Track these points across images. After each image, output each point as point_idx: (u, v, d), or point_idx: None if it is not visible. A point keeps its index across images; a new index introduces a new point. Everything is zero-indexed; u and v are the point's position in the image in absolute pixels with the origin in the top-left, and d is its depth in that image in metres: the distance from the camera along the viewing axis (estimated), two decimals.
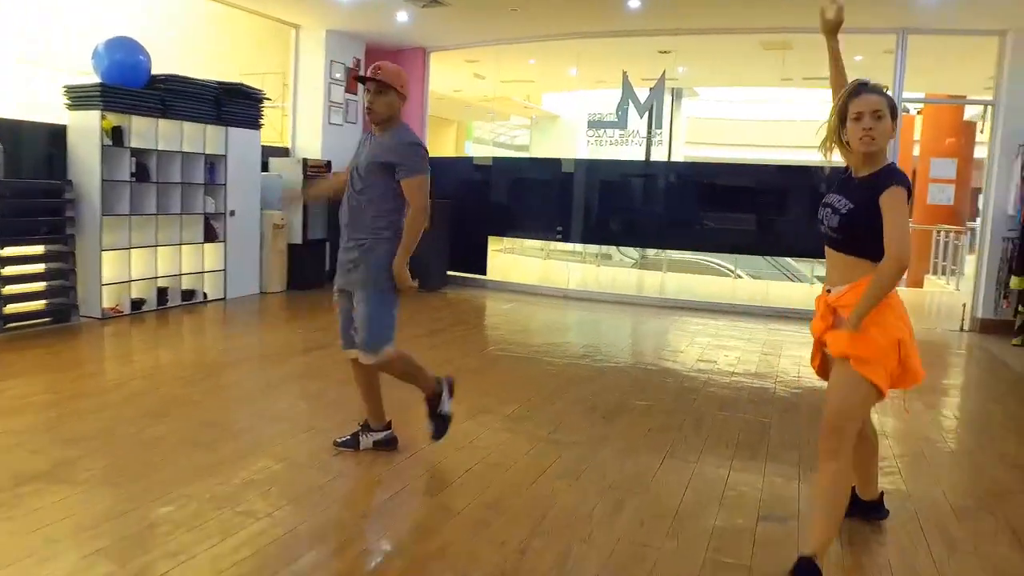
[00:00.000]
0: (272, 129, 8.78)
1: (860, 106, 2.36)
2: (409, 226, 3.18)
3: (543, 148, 16.87)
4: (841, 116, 2.43)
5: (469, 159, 10.39)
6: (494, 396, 4.55)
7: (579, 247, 12.03)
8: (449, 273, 9.18)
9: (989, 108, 7.56)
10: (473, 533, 2.75)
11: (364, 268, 3.18)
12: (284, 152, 8.69)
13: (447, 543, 2.67)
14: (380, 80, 3.11)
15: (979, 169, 16.01)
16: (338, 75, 8.66)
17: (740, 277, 14.98)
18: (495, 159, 9.74)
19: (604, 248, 13.10)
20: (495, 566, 2.50)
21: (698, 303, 8.54)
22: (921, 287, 13.30)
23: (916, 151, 17.95)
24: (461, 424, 3.89)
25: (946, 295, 11.25)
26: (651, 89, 8.13)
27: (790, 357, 6.17)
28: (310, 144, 8.65)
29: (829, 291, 2.52)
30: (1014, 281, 6.79)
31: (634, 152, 8.77)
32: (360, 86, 3.36)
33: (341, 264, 3.27)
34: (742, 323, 7.60)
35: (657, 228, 9.03)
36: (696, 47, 8.80)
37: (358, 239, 3.20)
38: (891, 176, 2.35)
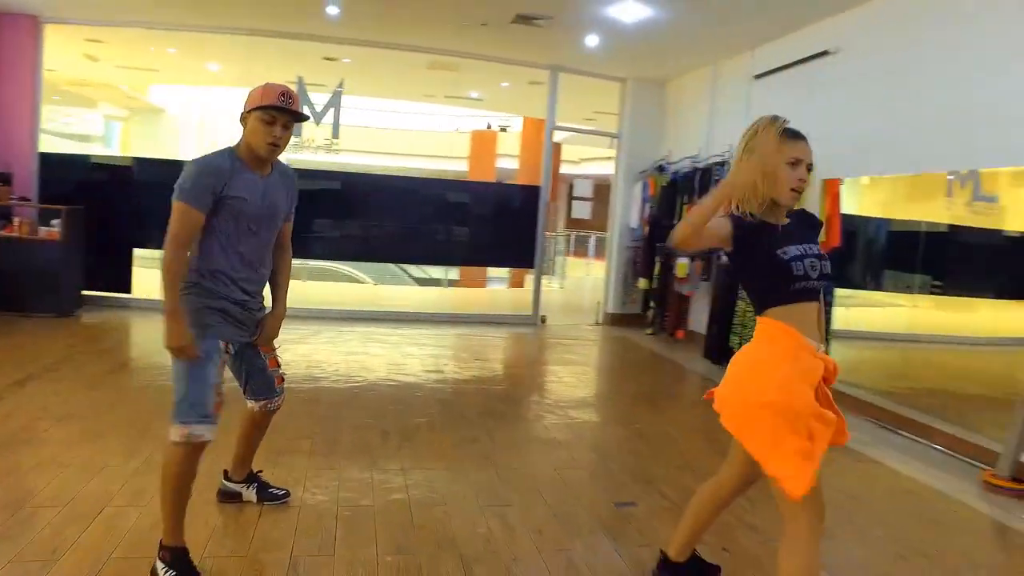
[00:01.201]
0: None
1: (800, 152, 2.15)
2: (290, 272, 2.87)
3: (141, 145, 14.91)
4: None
5: (85, 157, 8.63)
6: (273, 433, 4.05)
7: None
8: (85, 293, 7.64)
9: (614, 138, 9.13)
10: None
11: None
12: None
13: None
14: (297, 113, 2.51)
15: (565, 183, 19.24)
16: None
17: (372, 284, 15.42)
18: (137, 160, 8.32)
19: None
20: None
21: (372, 312, 8.61)
22: (522, 287, 15.42)
23: (499, 163, 20.64)
24: (273, 471, 3.42)
25: (556, 293, 13.21)
26: (330, 95, 7.93)
27: (492, 359, 6.69)
28: None
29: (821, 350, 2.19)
30: (641, 282, 8.38)
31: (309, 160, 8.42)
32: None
33: (246, 320, 2.65)
34: (419, 329, 7.87)
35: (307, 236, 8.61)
36: (358, 57, 8.80)
37: (259, 292, 2.72)
38: (814, 215, 2.42)
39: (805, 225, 2.31)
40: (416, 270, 16.57)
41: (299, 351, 6.31)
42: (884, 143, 5.28)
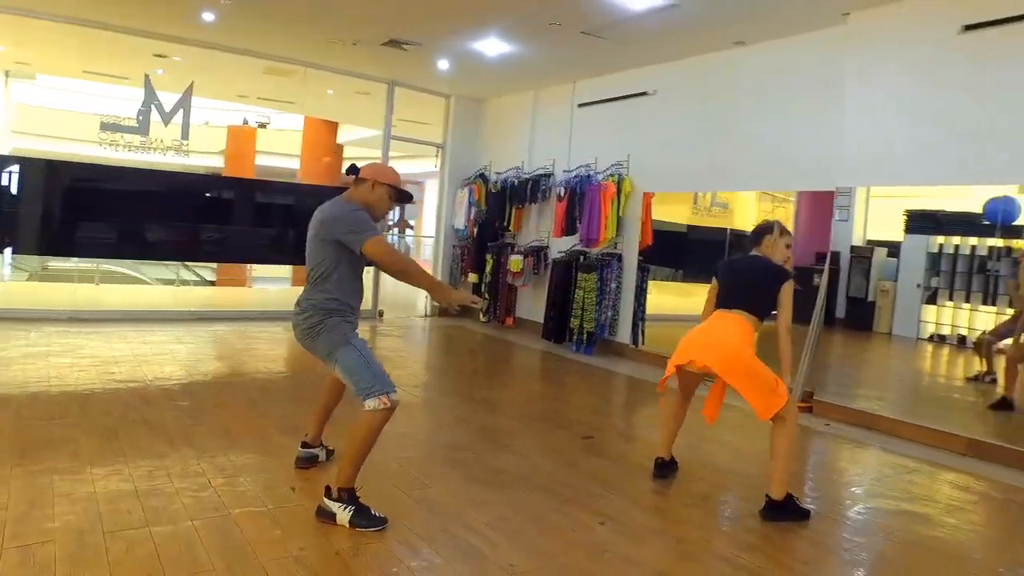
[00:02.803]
0: None
1: (791, 240, 3.76)
2: None
3: None
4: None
5: None
6: (228, 418, 4.52)
7: None
8: None
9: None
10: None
11: None
12: None
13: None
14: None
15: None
16: None
17: (149, 283, 14.55)
18: None
19: None
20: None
21: (214, 312, 8.67)
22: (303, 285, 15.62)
23: (259, 161, 20.27)
24: (263, 444, 3.98)
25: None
26: (180, 96, 7.88)
27: (375, 347, 7.41)
28: None
29: None
30: (472, 276, 9.50)
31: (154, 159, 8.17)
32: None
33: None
34: (263, 326, 8.23)
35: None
36: (190, 56, 8.71)
37: None
38: None
39: None
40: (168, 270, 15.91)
41: (177, 354, 6.42)
42: (681, 167, 7.06)
